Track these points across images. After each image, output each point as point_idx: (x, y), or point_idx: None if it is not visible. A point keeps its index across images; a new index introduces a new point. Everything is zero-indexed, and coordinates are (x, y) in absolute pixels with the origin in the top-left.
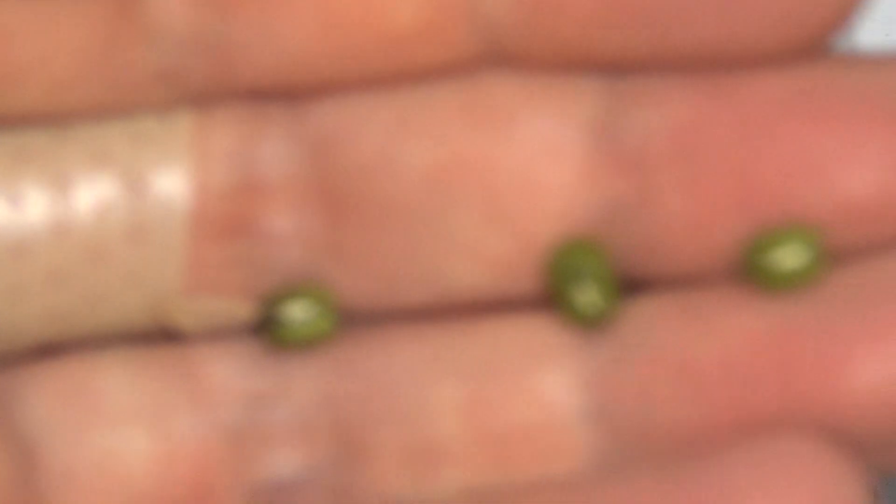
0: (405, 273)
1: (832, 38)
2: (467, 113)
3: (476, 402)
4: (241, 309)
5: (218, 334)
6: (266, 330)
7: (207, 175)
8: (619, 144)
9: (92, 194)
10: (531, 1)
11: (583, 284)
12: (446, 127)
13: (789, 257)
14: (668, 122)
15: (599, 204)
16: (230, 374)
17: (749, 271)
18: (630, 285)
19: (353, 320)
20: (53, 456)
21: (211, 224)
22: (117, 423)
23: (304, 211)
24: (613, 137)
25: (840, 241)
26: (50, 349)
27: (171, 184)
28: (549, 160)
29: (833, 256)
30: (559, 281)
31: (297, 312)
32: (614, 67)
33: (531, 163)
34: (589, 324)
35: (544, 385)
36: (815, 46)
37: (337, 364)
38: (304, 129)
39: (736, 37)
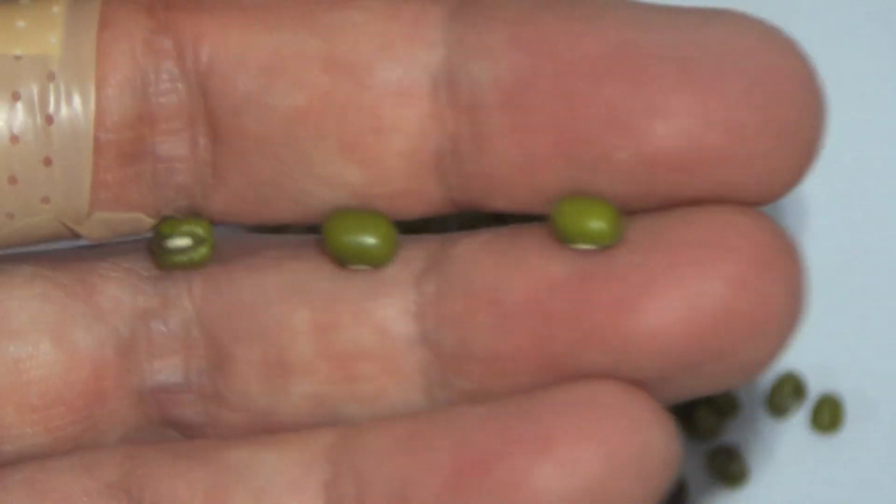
0: (273, 196)
1: None
2: (327, 60)
3: (324, 324)
4: (141, 222)
5: (116, 250)
6: (154, 253)
7: (109, 104)
8: (456, 91)
9: (8, 124)
10: None
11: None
12: (309, 72)
13: (587, 224)
14: (495, 74)
15: (440, 143)
16: (121, 292)
17: (555, 231)
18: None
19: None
20: None
21: (112, 148)
22: (24, 334)
23: (191, 139)
24: (451, 84)
25: (646, 190)
26: None
27: (78, 113)
28: (398, 103)
29: (637, 207)
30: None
31: (179, 241)
32: None
33: (382, 105)
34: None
35: (381, 313)
36: None
37: (210, 286)
38: (190, 64)
39: None
